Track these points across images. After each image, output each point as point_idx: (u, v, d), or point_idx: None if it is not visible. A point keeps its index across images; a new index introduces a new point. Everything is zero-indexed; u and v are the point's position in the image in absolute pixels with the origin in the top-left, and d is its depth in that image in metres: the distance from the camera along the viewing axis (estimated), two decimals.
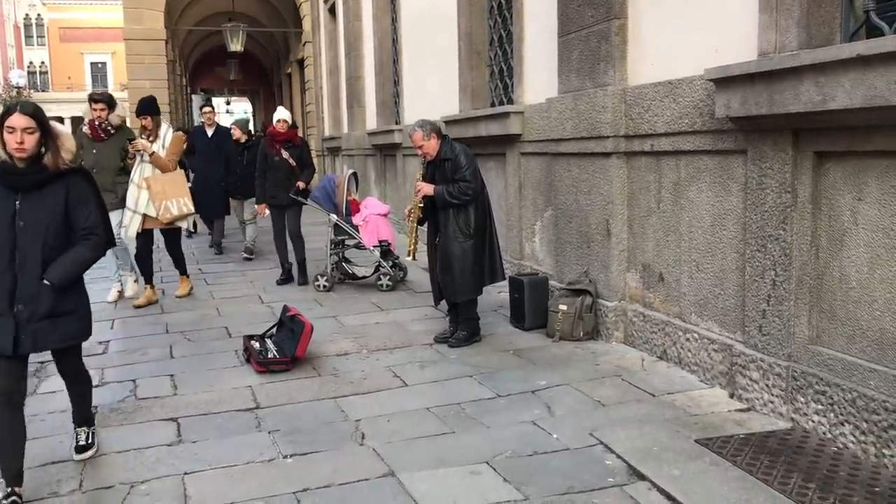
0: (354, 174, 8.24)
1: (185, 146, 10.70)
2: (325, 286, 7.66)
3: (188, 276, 7.76)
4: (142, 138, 7.01)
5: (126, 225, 6.96)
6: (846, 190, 3.49)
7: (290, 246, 8.18)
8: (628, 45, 5.10)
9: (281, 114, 8.12)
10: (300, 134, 9.87)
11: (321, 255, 8.10)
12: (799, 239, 3.71)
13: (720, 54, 4.15)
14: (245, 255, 9.77)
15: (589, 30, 5.35)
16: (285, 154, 7.93)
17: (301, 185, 7.80)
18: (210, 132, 10.31)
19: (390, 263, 7.65)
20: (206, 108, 10.63)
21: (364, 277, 7.85)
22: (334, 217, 7.70)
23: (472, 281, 5.45)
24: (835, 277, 3.58)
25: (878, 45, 3.04)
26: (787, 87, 3.52)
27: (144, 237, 7.11)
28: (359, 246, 7.77)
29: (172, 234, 7.45)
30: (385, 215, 8.02)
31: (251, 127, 13.11)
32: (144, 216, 6.95)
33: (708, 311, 4.51)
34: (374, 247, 7.60)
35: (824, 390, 3.59)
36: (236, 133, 9.86)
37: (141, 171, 7.00)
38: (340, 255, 7.95)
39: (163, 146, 7.07)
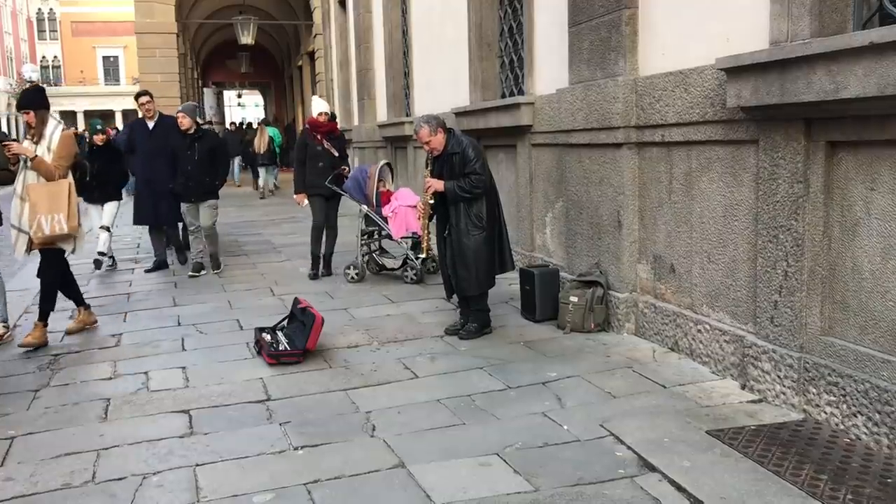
0: (388, 164, 8.22)
1: (114, 142, 8.98)
2: (355, 277, 7.65)
3: (46, 325, 5.75)
4: (26, 138, 5.71)
5: (12, 245, 5.73)
6: (859, 180, 3.46)
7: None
8: (639, 35, 5.07)
9: (321, 106, 8.19)
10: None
11: (352, 247, 8.07)
12: (811, 229, 3.68)
13: (731, 43, 4.12)
14: (191, 273, 8.26)
15: (599, 19, 5.31)
16: (327, 144, 8.01)
17: (346, 169, 7.94)
18: (151, 125, 8.79)
19: (422, 256, 7.57)
20: (143, 98, 8.89)
21: (394, 269, 7.83)
22: (365, 208, 7.70)
23: (487, 273, 5.45)
24: (847, 268, 3.55)
25: (892, 32, 3.00)
26: (798, 76, 3.49)
27: (48, 259, 5.75)
28: (389, 237, 7.75)
29: (50, 255, 5.76)
30: (415, 207, 7.97)
31: (249, 119, 11.80)
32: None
33: (719, 303, 4.48)
34: (402, 238, 7.53)
35: (836, 381, 3.56)
36: (184, 122, 8.04)
37: (24, 180, 5.61)
38: (372, 245, 7.96)
39: (49, 148, 5.62)
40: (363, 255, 7.83)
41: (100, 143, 8.45)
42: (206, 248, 8.38)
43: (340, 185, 7.87)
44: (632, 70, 5.09)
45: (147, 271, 8.68)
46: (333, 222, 8.14)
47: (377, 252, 8.01)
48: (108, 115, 47.40)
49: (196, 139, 8.07)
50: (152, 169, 8.52)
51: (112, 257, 8.94)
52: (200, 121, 9.48)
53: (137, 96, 9.01)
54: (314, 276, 7.97)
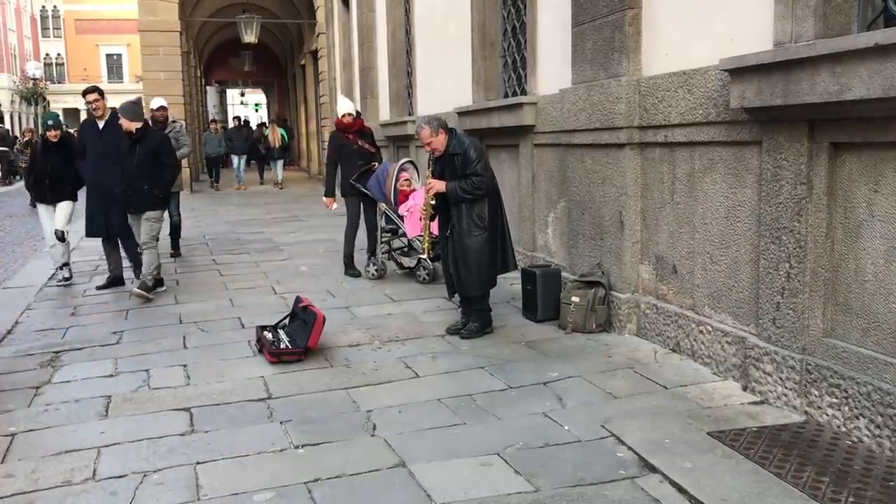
0: (411, 162, 8.22)
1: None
2: (374, 274, 7.68)
3: None
4: None
5: None
6: (862, 181, 3.45)
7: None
8: (642, 35, 5.06)
9: (346, 107, 8.09)
10: (321, 126, 9.51)
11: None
12: (814, 231, 3.67)
13: (735, 44, 4.11)
14: (138, 292, 6.99)
15: (603, 20, 5.31)
16: (361, 142, 8.01)
17: (375, 165, 7.90)
18: (102, 125, 7.63)
19: (422, 256, 7.50)
20: (90, 96, 7.67)
21: (410, 268, 7.82)
22: (384, 206, 7.71)
23: (489, 273, 5.44)
24: (850, 270, 3.54)
25: None
26: (802, 78, 3.48)
27: None
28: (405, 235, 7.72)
29: None
30: None
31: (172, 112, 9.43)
32: None
33: (721, 304, 4.48)
34: (416, 237, 7.46)
35: (839, 383, 3.56)
36: (123, 123, 6.97)
37: None
38: (395, 243, 7.96)
39: None
40: (383, 253, 7.85)
41: (54, 140, 7.67)
42: (143, 265, 7.14)
43: (366, 182, 7.85)
44: (635, 70, 5.09)
45: (98, 288, 7.63)
46: (374, 221, 7.89)
47: (405, 249, 7.94)
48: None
49: (137, 141, 6.98)
50: (103, 174, 7.36)
51: (67, 266, 7.94)
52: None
53: (85, 93, 7.81)
54: (355, 275, 7.85)
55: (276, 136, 20.85)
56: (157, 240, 7.17)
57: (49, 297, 7.39)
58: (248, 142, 21.01)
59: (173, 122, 9.16)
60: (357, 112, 8.20)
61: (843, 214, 3.56)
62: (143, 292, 6.98)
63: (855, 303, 3.53)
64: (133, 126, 6.96)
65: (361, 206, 7.98)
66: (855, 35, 3.43)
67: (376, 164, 7.99)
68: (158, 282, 7.36)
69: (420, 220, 5.60)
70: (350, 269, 7.95)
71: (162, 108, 9.12)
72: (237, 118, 25.29)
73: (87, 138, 7.69)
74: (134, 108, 7.20)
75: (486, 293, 5.52)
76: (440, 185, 5.35)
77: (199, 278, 8.13)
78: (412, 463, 3.45)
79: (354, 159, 7.95)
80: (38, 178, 7.83)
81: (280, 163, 20.84)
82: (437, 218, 5.65)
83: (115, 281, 7.75)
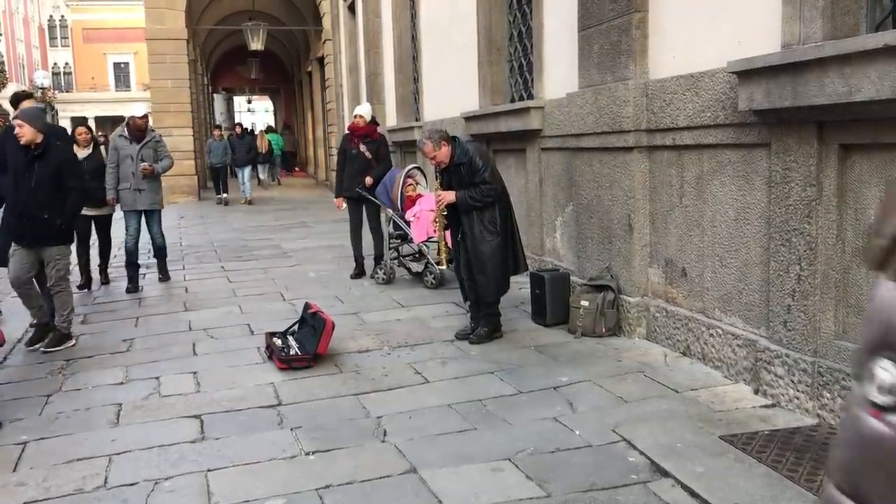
0: (418, 168, 8.24)
1: None
2: (382, 279, 7.73)
3: None
4: None
5: None
6: (873, 183, 3.43)
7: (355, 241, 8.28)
8: (649, 39, 5.06)
9: (358, 109, 8.23)
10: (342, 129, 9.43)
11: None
12: (824, 233, 3.66)
13: (743, 46, 4.10)
14: (44, 348, 5.68)
15: (609, 23, 5.30)
16: (363, 148, 8.02)
17: (368, 180, 7.87)
18: None
19: (442, 267, 7.46)
20: (27, 103, 6.62)
21: (418, 273, 7.84)
22: (390, 211, 7.74)
23: (504, 277, 5.45)
24: (861, 271, 3.52)
25: None
26: (811, 79, 3.47)
27: None
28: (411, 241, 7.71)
29: None
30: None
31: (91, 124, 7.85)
32: None
33: (732, 307, 4.46)
34: (423, 243, 7.48)
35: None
36: (25, 133, 5.48)
37: None
38: (403, 249, 7.99)
39: None
40: (392, 259, 7.88)
41: None
42: (55, 308, 5.84)
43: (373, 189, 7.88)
44: (642, 73, 5.08)
45: (30, 344, 5.82)
46: (375, 224, 8.07)
47: (416, 255, 7.95)
48: (118, 121, 47.64)
49: (36, 157, 5.57)
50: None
51: None
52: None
53: (18, 100, 6.64)
54: (355, 276, 8.10)
55: (263, 142, 23.24)
56: (68, 278, 5.94)
57: None
58: (251, 151, 20.01)
59: (152, 130, 8.37)
60: (373, 118, 8.22)
61: (853, 216, 3.55)
62: (58, 346, 5.71)
63: (867, 305, 3.51)
64: (38, 137, 5.54)
65: (364, 210, 8.07)
66: (864, 36, 3.42)
67: (369, 178, 7.85)
68: (65, 336, 5.84)
69: (434, 231, 5.60)
70: (356, 268, 8.13)
71: (146, 115, 8.42)
72: (239, 125, 24.73)
73: (9, 151, 5.95)
74: (41, 115, 5.94)
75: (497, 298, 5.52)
76: (450, 197, 5.34)
77: (208, 285, 8.15)
78: (423, 469, 3.45)
79: (352, 163, 8.01)
80: None
81: (265, 167, 24.15)
82: (450, 228, 5.65)
83: (39, 334, 5.87)
